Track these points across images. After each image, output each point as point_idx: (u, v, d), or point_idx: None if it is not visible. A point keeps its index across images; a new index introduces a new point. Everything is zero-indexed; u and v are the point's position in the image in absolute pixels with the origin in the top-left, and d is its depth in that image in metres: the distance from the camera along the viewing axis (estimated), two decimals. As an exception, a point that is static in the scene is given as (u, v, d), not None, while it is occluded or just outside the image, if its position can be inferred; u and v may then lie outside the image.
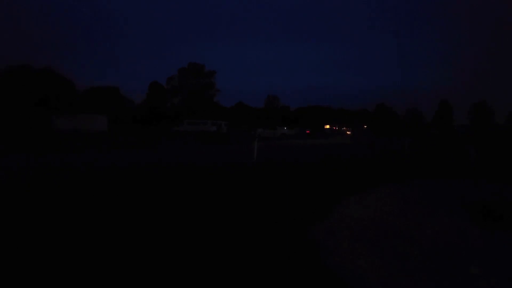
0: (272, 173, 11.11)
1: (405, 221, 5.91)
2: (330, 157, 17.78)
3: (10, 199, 6.69)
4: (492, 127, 70.59)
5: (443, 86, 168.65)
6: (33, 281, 3.37)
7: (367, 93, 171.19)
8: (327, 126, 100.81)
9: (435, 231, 5.40)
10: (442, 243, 4.84)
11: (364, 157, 18.84)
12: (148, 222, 5.31)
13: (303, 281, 3.55)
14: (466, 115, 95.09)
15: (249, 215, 5.87)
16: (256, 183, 9.03)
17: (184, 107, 75.40)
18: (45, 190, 7.47)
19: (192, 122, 46.45)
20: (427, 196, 8.06)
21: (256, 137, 39.28)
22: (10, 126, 42.06)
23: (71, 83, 64.32)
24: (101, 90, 69.24)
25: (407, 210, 6.68)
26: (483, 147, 23.89)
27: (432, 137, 45.36)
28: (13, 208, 5.99)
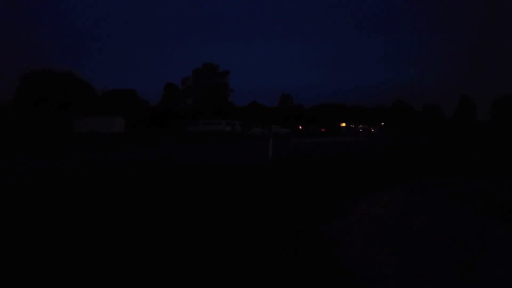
0: (287, 172, 11.10)
1: (425, 220, 5.80)
2: (344, 156, 17.61)
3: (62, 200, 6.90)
4: None
5: (466, 81, 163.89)
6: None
7: (384, 90, 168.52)
8: (343, 124, 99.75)
9: (456, 230, 5.27)
10: (464, 242, 4.72)
11: (380, 155, 18.58)
12: (165, 217, 5.39)
13: (320, 280, 3.53)
14: (490, 110, 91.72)
15: (265, 213, 5.87)
16: (271, 182, 9.03)
17: (198, 107, 76.06)
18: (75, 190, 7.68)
19: (207, 123, 46.90)
20: (447, 195, 7.89)
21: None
22: (35, 129, 43.42)
23: (90, 87, 65.86)
24: (119, 92, 70.61)
25: (427, 210, 6.56)
26: (503, 144, 23.19)
27: (449, 135, 44.35)
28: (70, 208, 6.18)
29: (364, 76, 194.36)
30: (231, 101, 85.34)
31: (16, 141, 24.62)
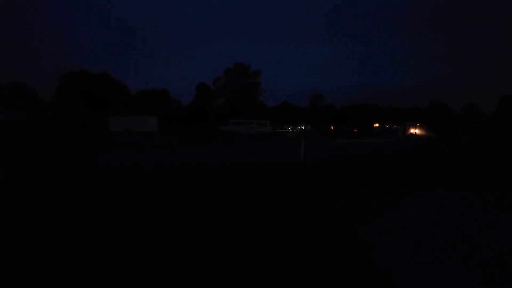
0: (320, 172, 10.93)
1: (466, 225, 5.47)
2: (377, 156, 17.11)
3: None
4: None
5: (505, 80, 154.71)
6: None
7: (419, 90, 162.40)
8: (377, 125, 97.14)
9: (500, 236, 4.93)
10: (508, 249, 4.39)
11: (416, 156, 17.92)
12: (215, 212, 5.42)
13: (356, 282, 3.39)
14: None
15: (298, 213, 5.77)
16: (304, 183, 8.90)
17: (229, 107, 76.67)
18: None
19: (238, 122, 47.10)
20: (491, 199, 7.42)
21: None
22: (73, 127, 45.62)
23: (125, 86, 68.20)
24: (152, 92, 72.58)
25: (468, 214, 6.19)
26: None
27: (490, 135, 42.03)
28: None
29: (398, 76, 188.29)
30: (262, 101, 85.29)
31: (54, 140, 25.86)
